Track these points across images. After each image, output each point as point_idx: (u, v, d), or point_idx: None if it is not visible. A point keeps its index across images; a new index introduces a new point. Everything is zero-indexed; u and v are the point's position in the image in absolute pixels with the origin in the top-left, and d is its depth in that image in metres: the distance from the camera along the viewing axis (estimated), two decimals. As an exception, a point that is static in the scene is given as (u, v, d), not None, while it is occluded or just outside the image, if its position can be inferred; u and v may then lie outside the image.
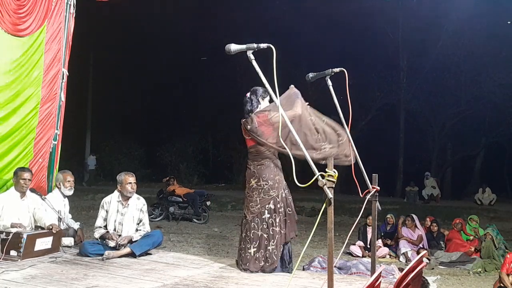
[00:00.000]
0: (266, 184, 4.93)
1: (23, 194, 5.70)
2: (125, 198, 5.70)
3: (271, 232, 4.90)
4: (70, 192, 6.33)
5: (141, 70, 24.69)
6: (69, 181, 6.30)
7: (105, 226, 5.67)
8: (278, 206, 4.94)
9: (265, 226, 4.90)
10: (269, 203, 4.92)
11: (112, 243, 5.45)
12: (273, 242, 4.90)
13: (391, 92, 23.60)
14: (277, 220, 4.93)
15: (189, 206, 12.64)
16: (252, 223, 4.92)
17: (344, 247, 7.73)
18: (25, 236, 5.10)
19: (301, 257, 3.46)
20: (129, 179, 5.69)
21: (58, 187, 6.32)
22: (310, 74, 4.31)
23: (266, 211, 4.91)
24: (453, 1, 20.49)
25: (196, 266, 5.19)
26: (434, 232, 9.48)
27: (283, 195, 4.99)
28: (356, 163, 4.10)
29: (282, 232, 4.96)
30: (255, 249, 4.89)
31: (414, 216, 9.55)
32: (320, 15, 21.41)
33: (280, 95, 3.59)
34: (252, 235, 4.90)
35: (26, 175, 5.67)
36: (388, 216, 9.81)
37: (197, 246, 9.02)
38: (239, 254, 5.06)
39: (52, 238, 5.45)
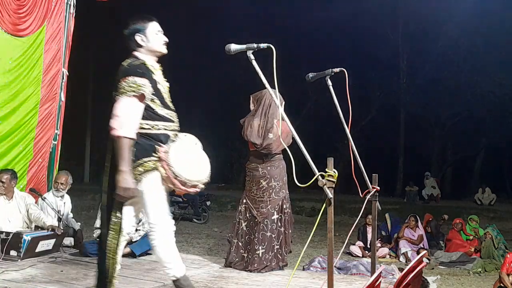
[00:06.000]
0: (277, 185, 4.96)
1: (8, 195, 5.59)
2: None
3: (277, 232, 4.92)
4: (58, 194, 6.25)
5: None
6: (56, 182, 6.27)
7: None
8: (285, 206, 4.98)
9: (273, 227, 4.92)
10: (278, 204, 4.95)
11: None
12: (277, 242, 4.92)
13: (391, 92, 23.59)
14: (283, 219, 4.96)
15: (189, 206, 12.64)
16: (261, 225, 4.92)
17: (344, 247, 7.72)
18: (29, 238, 5.08)
19: (301, 257, 3.46)
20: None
21: (54, 187, 6.31)
22: (310, 74, 4.30)
23: (275, 212, 4.94)
24: (453, 1, 20.48)
25: (196, 266, 5.18)
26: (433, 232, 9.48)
27: (288, 195, 5.05)
28: (356, 163, 4.10)
29: (286, 232, 4.98)
30: (263, 250, 4.89)
31: (417, 216, 9.55)
32: (320, 15, 21.39)
33: (279, 95, 3.60)
34: (261, 236, 4.91)
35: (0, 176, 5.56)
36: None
37: (197, 246, 9.01)
38: (243, 256, 5.02)
39: (55, 241, 5.46)
